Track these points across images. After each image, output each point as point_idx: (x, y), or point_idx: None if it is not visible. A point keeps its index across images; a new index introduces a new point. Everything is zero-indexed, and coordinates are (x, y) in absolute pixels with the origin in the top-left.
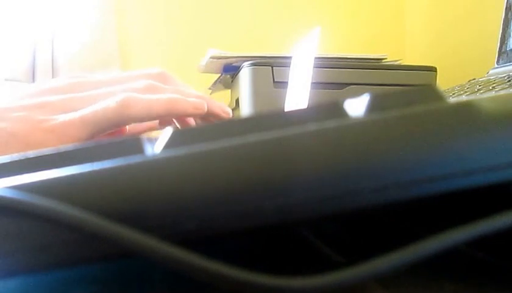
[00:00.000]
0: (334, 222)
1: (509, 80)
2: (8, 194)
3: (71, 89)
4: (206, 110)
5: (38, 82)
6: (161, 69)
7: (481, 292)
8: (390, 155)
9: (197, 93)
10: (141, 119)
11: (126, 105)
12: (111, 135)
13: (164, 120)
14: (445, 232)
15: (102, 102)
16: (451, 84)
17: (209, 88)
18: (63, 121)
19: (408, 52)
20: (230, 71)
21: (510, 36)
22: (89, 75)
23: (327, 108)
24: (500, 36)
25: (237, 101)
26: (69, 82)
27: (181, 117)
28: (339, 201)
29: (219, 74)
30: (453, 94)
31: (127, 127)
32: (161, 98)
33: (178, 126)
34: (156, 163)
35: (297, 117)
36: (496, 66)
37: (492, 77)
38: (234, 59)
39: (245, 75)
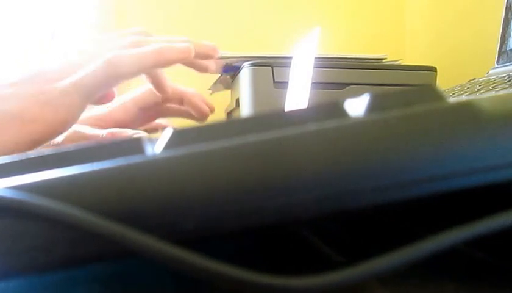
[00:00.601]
0: (334, 222)
1: (509, 80)
2: (8, 194)
3: (59, 60)
4: (194, 53)
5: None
6: (143, 27)
7: (481, 292)
8: (390, 155)
9: (181, 38)
10: (131, 75)
11: (114, 63)
12: (103, 100)
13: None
14: (445, 232)
15: (90, 65)
16: (451, 84)
17: (209, 88)
18: (57, 91)
19: (408, 52)
20: (230, 71)
21: (510, 36)
22: (79, 42)
23: (327, 108)
24: (500, 36)
25: (237, 101)
26: (58, 56)
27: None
28: (339, 201)
29: (219, 74)
30: (453, 94)
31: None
32: (147, 50)
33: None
34: (156, 163)
35: (297, 117)
36: (496, 66)
37: (492, 77)
38: (234, 59)
39: (245, 75)
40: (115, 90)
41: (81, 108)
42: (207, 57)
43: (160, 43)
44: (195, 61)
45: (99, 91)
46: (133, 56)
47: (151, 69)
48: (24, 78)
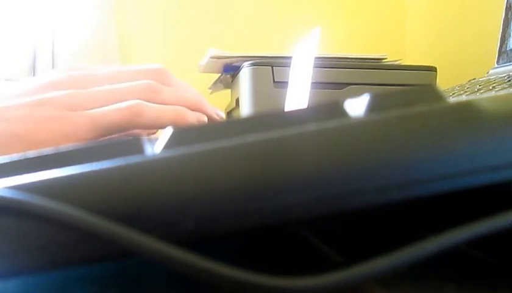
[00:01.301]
0: (334, 222)
1: (509, 80)
2: (8, 194)
3: (71, 84)
4: (206, 121)
5: (36, 76)
6: (159, 66)
7: (481, 292)
8: (390, 155)
9: (195, 92)
10: (149, 127)
11: (138, 112)
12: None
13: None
14: (445, 232)
15: (113, 106)
16: (451, 84)
17: (209, 88)
18: (72, 120)
19: (408, 52)
20: (230, 71)
21: (510, 36)
22: (88, 67)
23: (327, 108)
24: (500, 36)
25: (237, 101)
26: (69, 75)
27: None
28: (339, 201)
29: (219, 74)
30: (453, 94)
31: None
32: (170, 109)
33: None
34: (156, 163)
35: (297, 117)
36: (496, 66)
37: (492, 77)
38: (234, 59)
39: (245, 75)
40: None
41: (91, 141)
42: (210, 118)
43: (175, 96)
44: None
45: (112, 132)
46: (157, 111)
47: (166, 126)
48: (36, 101)
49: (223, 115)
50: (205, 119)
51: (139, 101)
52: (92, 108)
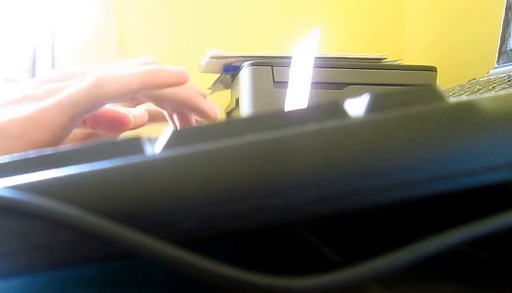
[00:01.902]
0: (334, 222)
1: (509, 80)
2: (8, 194)
3: (58, 79)
4: (188, 79)
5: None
6: (148, 58)
7: (481, 292)
8: (390, 156)
9: (178, 68)
10: (118, 96)
11: (99, 83)
12: (93, 124)
13: (157, 117)
14: (445, 232)
15: (75, 85)
16: (451, 84)
17: (209, 88)
18: (39, 109)
19: (408, 52)
20: (230, 71)
21: (510, 36)
22: (84, 66)
23: (327, 108)
24: (500, 36)
25: (237, 101)
26: (59, 74)
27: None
28: (339, 201)
29: (219, 74)
30: (453, 94)
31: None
32: (138, 72)
33: (177, 123)
34: (156, 163)
35: (297, 117)
36: (496, 66)
37: (492, 77)
38: (234, 59)
39: (245, 75)
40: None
41: (64, 128)
42: (204, 114)
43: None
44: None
45: (83, 112)
46: (120, 77)
47: (138, 92)
48: (16, 98)
49: (217, 111)
50: (186, 74)
51: (100, 73)
52: None
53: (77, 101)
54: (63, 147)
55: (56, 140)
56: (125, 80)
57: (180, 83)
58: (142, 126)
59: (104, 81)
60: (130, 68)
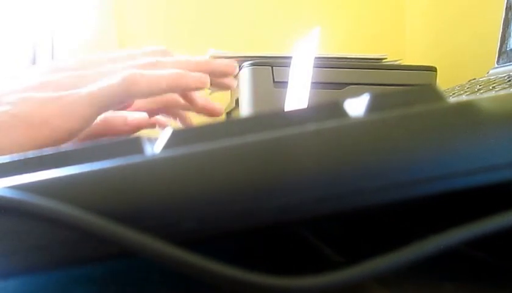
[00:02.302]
0: (334, 222)
1: (509, 80)
2: (8, 194)
3: (74, 68)
4: (209, 84)
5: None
6: (163, 47)
7: (481, 292)
8: (390, 156)
9: (199, 59)
10: (146, 95)
11: (131, 81)
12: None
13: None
14: (445, 232)
15: (107, 79)
16: (451, 84)
17: (209, 88)
18: (70, 100)
19: (408, 52)
20: None
21: (510, 36)
22: (93, 55)
23: (327, 108)
24: (500, 36)
25: (237, 101)
26: (74, 61)
27: (186, 94)
28: (339, 201)
29: None
30: (453, 94)
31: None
32: (165, 74)
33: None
34: (156, 163)
35: (297, 117)
36: (496, 66)
37: (492, 77)
38: (234, 59)
39: (245, 75)
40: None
41: (91, 119)
42: (225, 75)
43: (177, 68)
44: (216, 80)
45: (111, 106)
46: (150, 77)
47: (165, 92)
48: (34, 85)
49: (235, 68)
50: (207, 80)
51: (132, 71)
52: None
53: (108, 95)
54: (63, 147)
55: (80, 130)
56: (155, 80)
57: (202, 88)
58: (144, 126)
59: (136, 79)
60: (160, 68)
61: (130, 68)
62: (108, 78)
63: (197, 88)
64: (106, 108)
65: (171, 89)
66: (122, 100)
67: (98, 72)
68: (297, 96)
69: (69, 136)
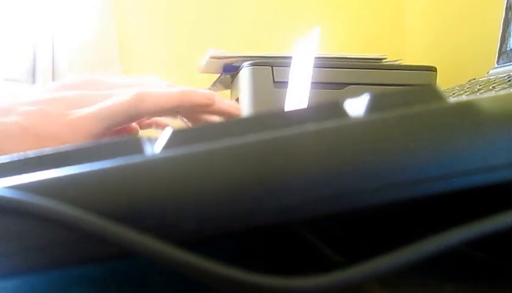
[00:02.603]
0: (334, 222)
1: (509, 80)
2: (8, 194)
3: (85, 87)
4: (216, 101)
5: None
6: (154, 77)
7: (481, 292)
8: (390, 156)
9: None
10: (155, 112)
11: (140, 98)
12: (121, 132)
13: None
14: (445, 232)
15: (116, 97)
16: (451, 84)
17: (209, 88)
18: (80, 116)
19: (408, 52)
20: (230, 71)
21: (510, 36)
22: (103, 77)
23: (327, 108)
24: (500, 36)
25: (237, 101)
26: (83, 80)
27: (192, 114)
28: (339, 201)
29: (219, 74)
30: (453, 94)
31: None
32: (173, 90)
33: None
34: (156, 163)
35: (297, 117)
36: (496, 66)
37: (492, 77)
38: (234, 59)
39: (245, 75)
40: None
41: (98, 135)
42: (227, 115)
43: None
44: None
45: (120, 123)
46: (159, 94)
47: (173, 109)
48: (48, 99)
49: (239, 107)
50: (214, 96)
51: (142, 88)
52: None
53: (116, 112)
54: (63, 147)
55: None
56: (163, 97)
57: (209, 104)
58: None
59: (145, 97)
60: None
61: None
62: (118, 96)
63: (205, 104)
64: (115, 125)
65: (180, 105)
66: (131, 117)
67: (108, 93)
68: (297, 96)
69: None
